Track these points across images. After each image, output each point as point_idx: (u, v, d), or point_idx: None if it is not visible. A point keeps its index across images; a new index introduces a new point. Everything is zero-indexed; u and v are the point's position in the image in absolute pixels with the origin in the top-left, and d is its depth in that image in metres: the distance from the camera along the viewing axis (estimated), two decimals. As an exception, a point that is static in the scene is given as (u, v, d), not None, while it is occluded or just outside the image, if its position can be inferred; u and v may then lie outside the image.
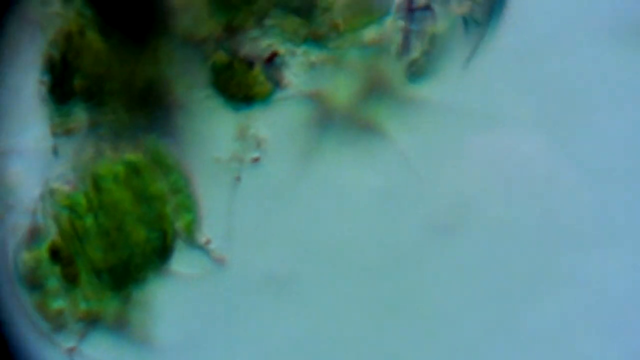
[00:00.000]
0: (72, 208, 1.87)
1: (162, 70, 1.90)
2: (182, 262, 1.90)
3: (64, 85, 1.89)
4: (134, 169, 1.88)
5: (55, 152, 1.88)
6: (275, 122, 1.91)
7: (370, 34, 1.91)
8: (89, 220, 1.86)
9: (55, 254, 1.86)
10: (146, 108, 1.90)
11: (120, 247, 1.86)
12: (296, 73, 1.91)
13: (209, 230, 1.89)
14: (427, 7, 1.87)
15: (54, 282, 1.87)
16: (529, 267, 1.90)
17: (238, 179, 1.89)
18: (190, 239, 1.89)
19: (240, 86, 1.90)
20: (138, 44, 1.89)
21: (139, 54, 1.89)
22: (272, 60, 1.91)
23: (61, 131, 1.89)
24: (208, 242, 1.89)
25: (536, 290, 1.90)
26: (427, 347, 1.90)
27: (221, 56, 1.90)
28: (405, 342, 1.91)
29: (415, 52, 1.89)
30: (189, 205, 1.89)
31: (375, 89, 1.91)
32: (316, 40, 1.91)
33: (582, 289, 1.90)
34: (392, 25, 1.91)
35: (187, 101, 1.90)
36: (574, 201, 1.89)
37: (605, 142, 1.89)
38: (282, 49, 1.91)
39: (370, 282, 1.89)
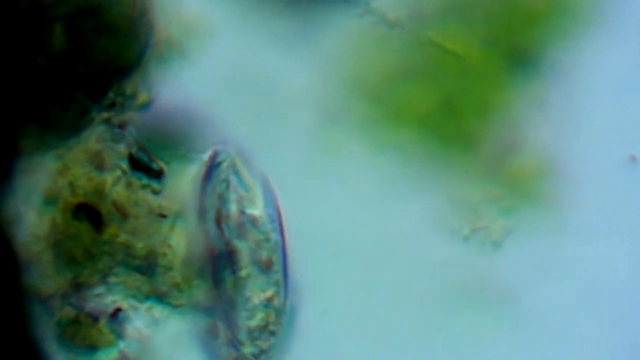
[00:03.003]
0: None
1: (9, 326, 1.97)
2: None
3: None
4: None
5: None
6: (120, 375, 1.98)
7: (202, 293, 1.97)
8: None
9: None
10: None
11: None
12: (139, 327, 1.97)
13: None
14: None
15: None
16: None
17: None
18: None
19: (86, 340, 1.97)
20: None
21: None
22: (115, 315, 1.97)
23: None
24: None
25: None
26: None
27: (68, 311, 1.97)
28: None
29: None
30: None
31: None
32: (158, 297, 1.96)
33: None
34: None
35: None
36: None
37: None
38: (125, 304, 1.97)
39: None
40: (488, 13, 1.96)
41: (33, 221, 1.96)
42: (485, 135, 1.95)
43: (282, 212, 1.94)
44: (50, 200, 1.97)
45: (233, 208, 1.93)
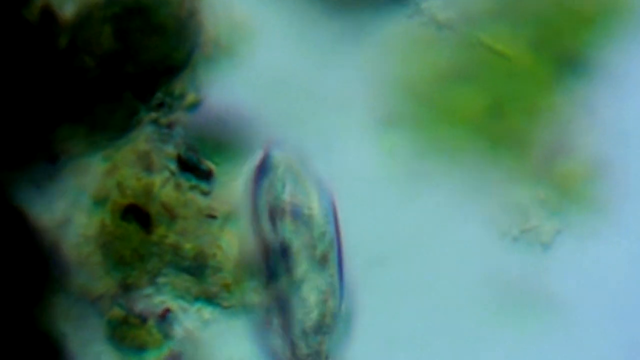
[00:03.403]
0: None
1: (59, 326, 1.97)
2: None
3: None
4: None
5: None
6: (168, 376, 1.98)
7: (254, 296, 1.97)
8: None
9: None
10: (45, 360, 1.98)
11: None
12: (188, 329, 1.97)
13: None
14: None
15: None
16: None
17: None
18: None
19: (135, 340, 1.97)
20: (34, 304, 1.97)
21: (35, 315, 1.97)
22: (164, 316, 1.97)
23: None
24: None
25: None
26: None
27: (117, 312, 1.97)
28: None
29: None
30: None
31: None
32: (208, 298, 1.96)
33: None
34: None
35: (83, 356, 1.97)
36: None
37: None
38: (174, 305, 1.97)
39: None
40: (537, 15, 1.97)
41: (82, 222, 1.96)
42: (534, 137, 1.96)
43: (338, 210, 1.95)
44: (99, 201, 1.96)
45: (287, 204, 1.93)
